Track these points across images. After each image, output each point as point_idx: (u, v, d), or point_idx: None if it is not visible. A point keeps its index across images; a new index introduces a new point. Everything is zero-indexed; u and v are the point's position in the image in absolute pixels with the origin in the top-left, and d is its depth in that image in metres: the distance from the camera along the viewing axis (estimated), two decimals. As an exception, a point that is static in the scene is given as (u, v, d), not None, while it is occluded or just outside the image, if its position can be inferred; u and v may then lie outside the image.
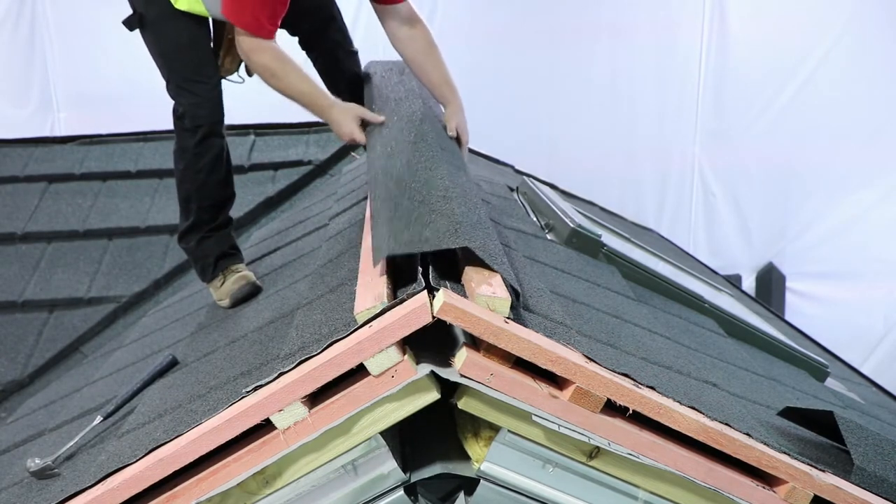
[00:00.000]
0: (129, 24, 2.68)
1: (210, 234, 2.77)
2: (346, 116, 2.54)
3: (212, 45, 2.73)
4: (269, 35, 2.47)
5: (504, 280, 1.70)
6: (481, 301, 1.57)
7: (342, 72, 2.99)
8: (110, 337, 3.59)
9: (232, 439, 1.55)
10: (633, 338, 2.11)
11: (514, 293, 1.75)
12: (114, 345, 3.34)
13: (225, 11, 2.48)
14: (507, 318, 1.56)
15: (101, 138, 4.78)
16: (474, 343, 1.55)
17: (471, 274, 1.71)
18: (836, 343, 4.71)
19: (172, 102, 2.68)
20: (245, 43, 2.47)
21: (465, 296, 1.61)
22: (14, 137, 4.83)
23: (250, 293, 2.69)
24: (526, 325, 1.60)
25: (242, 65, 2.80)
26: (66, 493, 1.70)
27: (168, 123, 2.75)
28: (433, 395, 1.55)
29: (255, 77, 2.69)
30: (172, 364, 2.37)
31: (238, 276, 2.73)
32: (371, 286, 1.75)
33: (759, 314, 4.06)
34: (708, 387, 2.00)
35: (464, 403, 1.54)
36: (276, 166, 4.53)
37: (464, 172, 2.38)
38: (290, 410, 1.52)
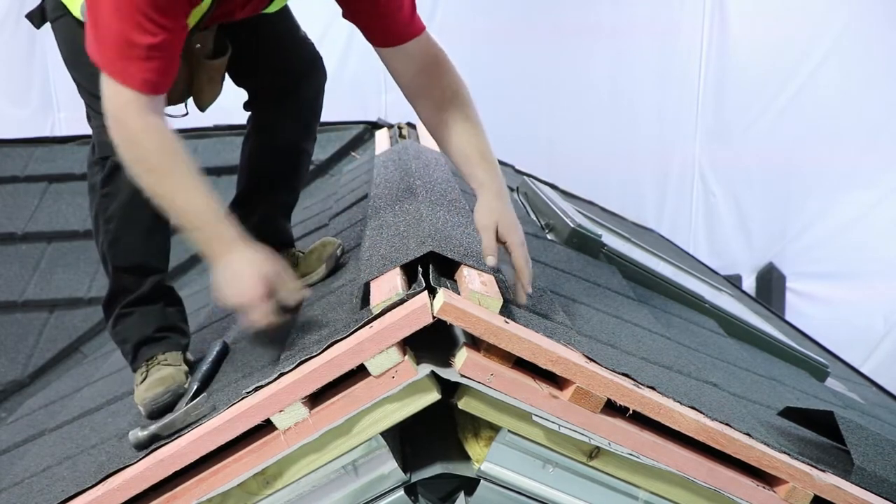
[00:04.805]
0: (31, 17, 2.04)
1: (130, 310, 2.01)
2: (247, 273, 1.68)
3: None
4: (143, 87, 1.63)
5: (496, 279, 1.71)
6: (474, 297, 1.57)
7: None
8: (110, 337, 3.58)
9: (232, 440, 1.55)
10: (633, 338, 2.11)
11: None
12: (114, 345, 3.33)
13: (87, 48, 1.69)
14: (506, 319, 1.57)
15: (101, 138, 4.77)
16: (474, 343, 1.56)
17: (464, 272, 1.72)
18: (836, 343, 4.70)
19: None
20: (109, 97, 1.65)
21: (458, 292, 1.61)
22: (14, 137, 4.81)
23: (168, 405, 1.84)
24: (526, 326, 1.61)
25: (210, 92, 2.06)
26: (66, 494, 1.70)
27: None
28: (433, 396, 1.55)
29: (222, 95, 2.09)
30: (225, 350, 2.05)
31: (156, 379, 1.88)
32: (385, 280, 1.76)
33: (760, 314, 4.06)
34: (708, 387, 2.00)
35: (464, 403, 1.54)
36: (276, 166, 4.50)
37: (446, 207, 2.28)
38: (290, 411, 1.52)
